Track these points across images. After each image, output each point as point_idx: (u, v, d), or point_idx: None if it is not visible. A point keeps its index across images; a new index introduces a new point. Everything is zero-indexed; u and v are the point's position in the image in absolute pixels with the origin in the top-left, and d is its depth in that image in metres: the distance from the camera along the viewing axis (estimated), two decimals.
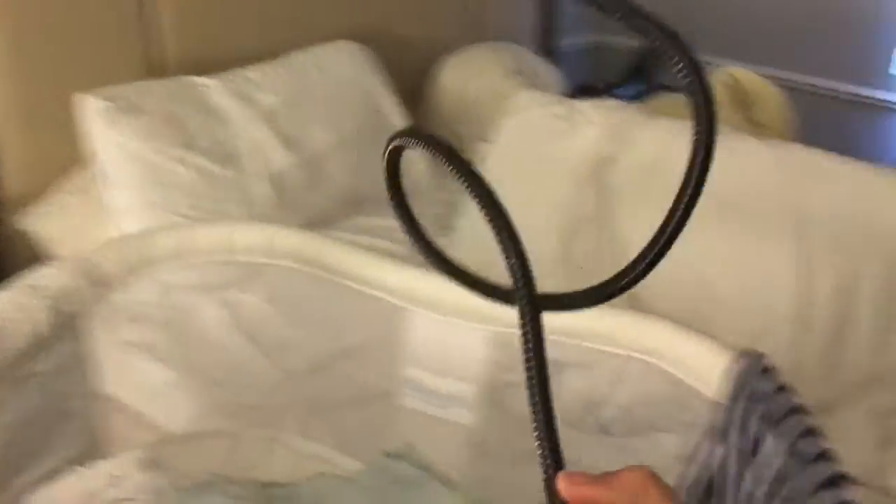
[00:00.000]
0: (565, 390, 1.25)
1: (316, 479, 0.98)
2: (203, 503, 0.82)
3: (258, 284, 1.51)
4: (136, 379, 1.30)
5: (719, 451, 0.78)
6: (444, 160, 0.47)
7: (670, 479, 0.91)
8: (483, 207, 0.44)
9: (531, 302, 0.42)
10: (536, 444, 0.41)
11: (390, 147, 0.51)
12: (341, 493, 0.94)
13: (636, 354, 0.86)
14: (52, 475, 0.91)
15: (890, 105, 2.71)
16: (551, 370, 1.30)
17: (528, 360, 0.42)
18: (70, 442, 0.95)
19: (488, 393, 1.11)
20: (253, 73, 1.57)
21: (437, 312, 0.93)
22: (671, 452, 1.14)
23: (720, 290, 1.17)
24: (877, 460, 1.12)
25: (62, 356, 0.92)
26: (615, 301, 1.23)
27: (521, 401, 1.35)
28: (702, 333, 0.84)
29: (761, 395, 0.74)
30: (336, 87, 1.67)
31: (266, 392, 1.28)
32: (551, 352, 1.20)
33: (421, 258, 1.10)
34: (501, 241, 0.43)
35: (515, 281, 0.43)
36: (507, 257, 0.44)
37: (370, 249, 1.01)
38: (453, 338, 0.94)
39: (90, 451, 0.98)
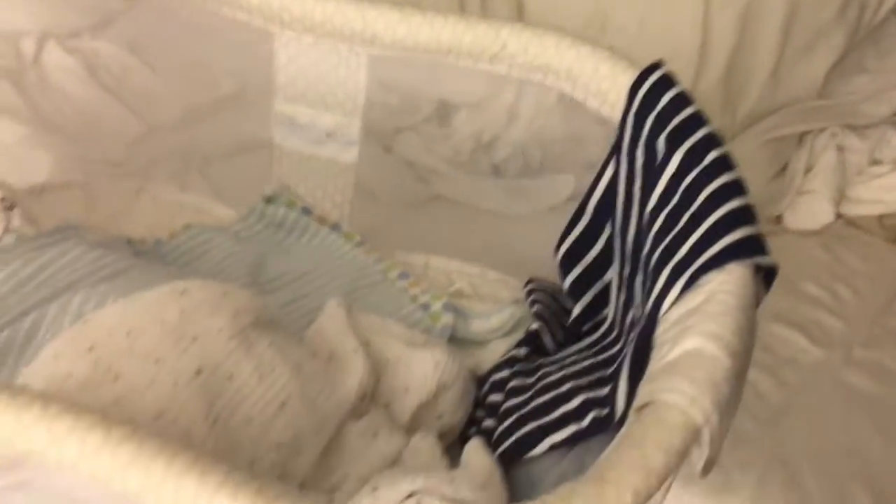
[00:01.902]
0: (457, 132, 1.18)
1: (183, 231, 0.90)
2: (62, 250, 0.73)
3: (115, 31, 1.35)
4: None
5: (613, 168, 0.74)
6: None
7: (564, 219, 0.88)
8: None
9: None
10: None
11: None
12: (212, 244, 0.87)
13: (533, 75, 0.78)
14: None
15: None
16: (441, 113, 1.21)
17: None
18: None
19: (374, 136, 1.03)
20: None
21: (309, 34, 0.82)
22: (565, 194, 1.11)
23: (619, 17, 1.08)
24: (770, 190, 1.11)
25: None
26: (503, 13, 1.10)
27: (411, 147, 1.26)
28: (602, 47, 0.76)
29: (663, 107, 0.69)
30: None
31: (131, 146, 1.17)
32: (442, 89, 1.11)
33: None
34: None
35: None
36: None
37: None
38: (328, 64, 0.83)
39: None
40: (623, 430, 0.51)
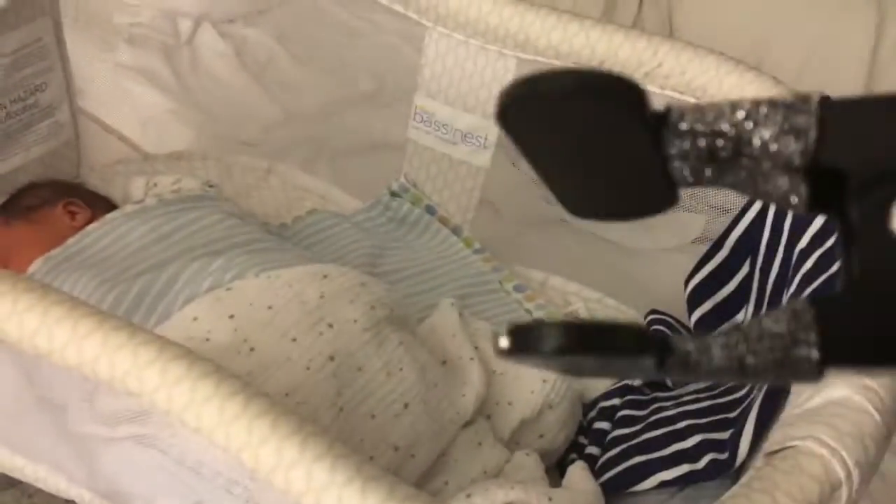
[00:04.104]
0: None
1: (308, 216, 0.90)
2: (200, 214, 0.75)
3: (267, 21, 1.39)
4: (128, 103, 1.21)
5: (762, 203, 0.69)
6: None
7: (689, 260, 0.83)
8: None
9: None
10: None
11: None
12: (335, 231, 0.86)
13: (686, 98, 0.75)
14: (18, 173, 0.83)
15: None
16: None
17: None
18: (44, 140, 0.86)
19: (504, 149, 1.01)
20: None
21: (460, 31, 0.81)
22: (693, 234, 1.05)
23: (781, 52, 1.04)
24: None
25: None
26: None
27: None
28: (755, 70, 0.72)
29: None
30: None
31: (266, 129, 1.19)
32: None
33: None
34: None
35: None
36: None
37: None
38: (476, 64, 0.82)
39: (67, 157, 0.90)
40: (750, 472, 0.46)
